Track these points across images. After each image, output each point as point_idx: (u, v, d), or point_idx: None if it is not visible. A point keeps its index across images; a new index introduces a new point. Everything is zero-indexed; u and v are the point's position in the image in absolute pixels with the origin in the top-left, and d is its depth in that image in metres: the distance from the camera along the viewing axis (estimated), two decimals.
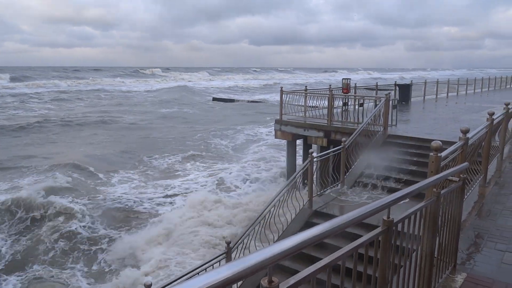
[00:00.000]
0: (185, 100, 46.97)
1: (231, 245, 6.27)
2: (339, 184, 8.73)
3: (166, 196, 13.92)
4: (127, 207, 12.92)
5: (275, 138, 14.19)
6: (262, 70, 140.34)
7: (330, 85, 15.34)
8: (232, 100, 46.60)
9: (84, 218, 11.71)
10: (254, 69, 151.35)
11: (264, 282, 1.25)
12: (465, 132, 4.69)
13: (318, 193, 8.41)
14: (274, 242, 1.39)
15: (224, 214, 11.67)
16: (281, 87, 13.61)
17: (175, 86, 63.44)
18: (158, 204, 13.23)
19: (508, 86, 37.19)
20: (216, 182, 15.30)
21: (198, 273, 5.62)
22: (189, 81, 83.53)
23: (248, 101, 45.39)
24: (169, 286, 5.25)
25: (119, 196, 13.69)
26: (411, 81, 22.63)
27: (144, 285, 4.92)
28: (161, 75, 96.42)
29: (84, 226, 11.34)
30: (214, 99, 48.38)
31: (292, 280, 1.40)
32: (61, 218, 11.62)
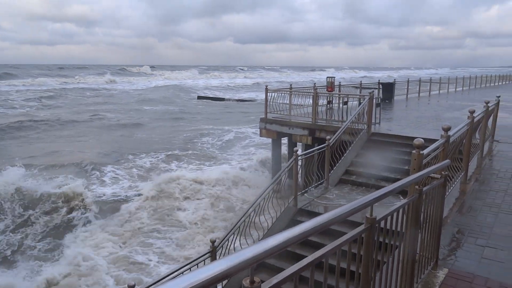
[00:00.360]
0: (179, 98, 46.50)
1: (215, 244, 6.24)
2: (324, 182, 8.78)
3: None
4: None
5: (260, 136, 14.20)
6: (250, 69, 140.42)
7: (314, 83, 15.39)
8: (221, 99, 46.03)
9: None
10: (241, 67, 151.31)
11: (246, 282, 1.23)
12: (447, 130, 4.77)
13: (302, 191, 8.44)
14: (258, 241, 1.37)
15: None
16: (266, 86, 13.62)
17: (167, 85, 62.50)
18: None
19: (488, 85, 38.00)
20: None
21: (182, 273, 5.58)
22: (179, 79, 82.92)
23: (237, 100, 44.98)
24: (153, 286, 5.19)
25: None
26: (394, 79, 22.91)
27: (128, 285, 4.86)
28: (150, 74, 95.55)
29: None
30: (199, 97, 47.97)
31: (275, 279, 1.39)
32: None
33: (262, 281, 1.35)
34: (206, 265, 1.16)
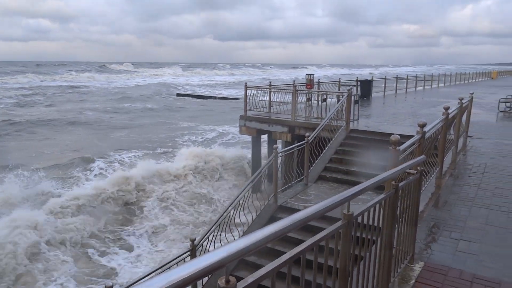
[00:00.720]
0: (167, 96, 45.68)
1: (195, 242, 6.20)
2: (304, 179, 8.83)
3: None
4: None
5: (240, 133, 14.18)
6: (232, 67, 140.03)
7: (294, 81, 15.46)
8: (208, 97, 45.11)
9: None
10: (222, 65, 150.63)
11: (221, 282, 1.22)
12: (422, 126, 4.86)
13: (282, 188, 8.47)
14: (234, 239, 1.36)
15: None
16: (245, 83, 13.60)
17: (154, 83, 61.06)
18: None
19: (463, 82, 39.02)
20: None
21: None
22: (160, 76, 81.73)
23: (222, 98, 44.36)
24: (132, 286, 5.12)
25: None
26: (372, 77, 23.25)
27: (105, 286, 4.78)
28: (132, 71, 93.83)
29: None
30: (178, 94, 47.40)
31: (251, 278, 1.38)
32: None
33: (240, 279, 1.34)
34: (180, 266, 1.14)
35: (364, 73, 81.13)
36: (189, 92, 49.88)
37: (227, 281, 1.21)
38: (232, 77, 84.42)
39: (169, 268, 5.70)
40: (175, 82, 64.89)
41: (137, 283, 5.28)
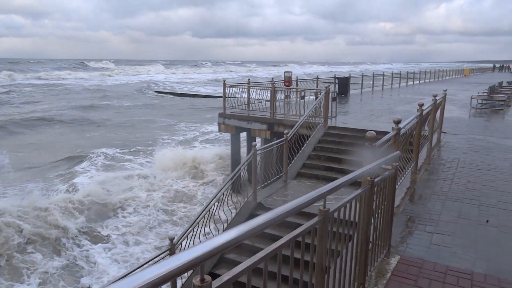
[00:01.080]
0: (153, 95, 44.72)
1: (174, 241, 6.15)
2: (283, 176, 8.87)
3: None
4: None
5: (218, 131, 14.12)
6: (215, 64, 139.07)
7: (272, 78, 15.50)
8: (189, 95, 44.06)
9: None
10: (202, 62, 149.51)
11: (196, 281, 1.22)
12: (397, 122, 4.96)
13: (262, 185, 8.48)
14: (211, 237, 1.36)
15: None
16: (224, 80, 13.55)
17: (137, 82, 59.45)
18: None
19: (437, 79, 39.97)
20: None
21: None
22: (140, 73, 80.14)
23: (204, 96, 43.41)
24: (107, 286, 5.04)
25: None
26: (349, 74, 23.55)
27: (82, 287, 4.69)
28: (112, 68, 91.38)
29: None
30: (157, 92, 46.64)
31: (226, 276, 1.38)
32: None
33: (212, 275, 1.33)
34: (154, 265, 1.13)
35: (345, 71, 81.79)
36: (175, 91, 48.66)
37: (202, 280, 1.21)
38: (213, 75, 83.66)
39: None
40: (161, 80, 63.41)
41: (112, 283, 5.20)
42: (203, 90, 50.77)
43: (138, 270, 5.49)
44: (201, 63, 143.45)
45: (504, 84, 24.68)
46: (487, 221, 5.17)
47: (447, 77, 44.51)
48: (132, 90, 48.17)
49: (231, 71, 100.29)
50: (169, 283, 6.12)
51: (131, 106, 35.04)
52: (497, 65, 77.22)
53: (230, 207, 7.39)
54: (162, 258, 5.95)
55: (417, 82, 33.56)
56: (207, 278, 1.22)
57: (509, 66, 72.82)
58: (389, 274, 3.86)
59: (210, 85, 60.89)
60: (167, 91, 48.18)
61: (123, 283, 1.07)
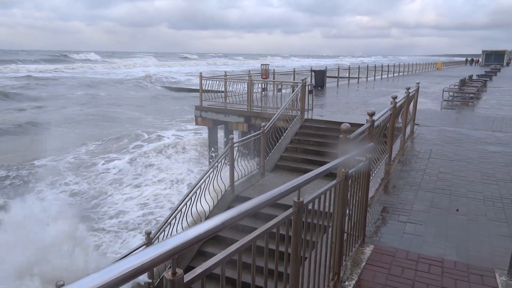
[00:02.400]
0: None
1: (151, 235, 6.10)
2: (260, 168, 8.90)
3: None
4: None
5: (195, 124, 14.02)
6: (201, 57, 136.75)
7: (249, 71, 15.46)
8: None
9: None
10: (185, 54, 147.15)
11: (168, 274, 1.21)
12: (371, 114, 5.03)
13: (239, 178, 8.49)
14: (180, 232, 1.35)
15: None
16: (200, 73, 13.42)
17: (142, 76, 55.62)
18: None
19: (411, 72, 40.80)
20: None
21: None
22: (128, 67, 77.34)
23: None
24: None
25: None
26: (326, 67, 23.74)
27: (56, 284, 4.60)
28: (100, 61, 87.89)
29: None
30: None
31: (199, 269, 1.37)
32: None
33: (188, 269, 1.33)
34: (126, 258, 1.12)
35: (330, 63, 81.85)
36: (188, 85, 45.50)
37: (174, 273, 1.20)
38: (208, 67, 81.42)
39: None
40: (162, 74, 59.75)
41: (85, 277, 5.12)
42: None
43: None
44: (187, 56, 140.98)
45: (474, 77, 25.44)
46: (457, 210, 5.35)
47: (421, 71, 45.51)
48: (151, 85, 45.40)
49: (226, 64, 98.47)
50: (146, 276, 6.08)
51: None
52: (469, 59, 79.67)
53: (207, 201, 7.37)
54: None
55: (391, 75, 34.18)
56: (179, 271, 1.21)
57: (478, 60, 75.13)
58: (364, 263, 3.94)
59: (216, 79, 59.01)
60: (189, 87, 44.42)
61: (96, 276, 1.05)
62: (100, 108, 29.69)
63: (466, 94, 17.74)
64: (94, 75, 58.81)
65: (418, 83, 10.07)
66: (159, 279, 6.32)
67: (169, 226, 6.63)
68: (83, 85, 43.47)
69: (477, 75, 28.88)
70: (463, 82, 18.42)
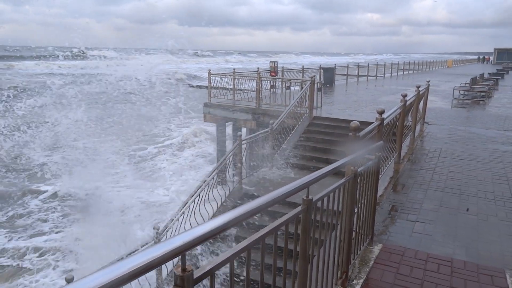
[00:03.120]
0: None
1: (159, 231, 6.14)
2: (268, 166, 8.90)
3: None
4: None
5: (204, 121, 14.05)
6: (216, 54, 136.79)
7: (258, 68, 15.43)
8: None
9: None
10: (202, 51, 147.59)
11: (178, 270, 1.21)
12: (381, 113, 5.00)
13: (247, 175, 8.50)
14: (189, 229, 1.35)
15: None
16: (209, 70, 13.43)
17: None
18: None
19: (421, 70, 40.42)
20: None
21: None
22: (147, 63, 77.19)
23: None
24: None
25: None
26: (335, 64, 23.61)
27: (66, 279, 4.65)
28: (118, 58, 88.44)
29: None
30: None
31: (209, 266, 1.38)
32: None
33: (197, 267, 1.33)
34: (135, 254, 1.12)
35: (344, 61, 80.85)
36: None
37: (184, 269, 1.20)
38: (225, 65, 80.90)
39: None
40: (194, 71, 59.51)
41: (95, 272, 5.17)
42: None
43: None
44: (202, 53, 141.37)
45: (486, 75, 25.12)
46: (467, 209, 5.29)
47: (431, 68, 45.07)
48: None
49: (241, 61, 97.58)
50: (155, 273, 6.12)
51: None
52: (480, 57, 78.69)
53: (215, 197, 7.40)
54: None
55: (401, 73, 33.90)
56: (189, 267, 1.21)
57: (489, 58, 74.15)
58: (372, 262, 3.92)
59: (224, 76, 58.39)
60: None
61: (105, 272, 1.06)
62: None
63: (477, 93, 17.53)
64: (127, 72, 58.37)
65: (428, 81, 9.97)
66: (167, 274, 6.37)
67: (177, 222, 6.67)
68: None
69: (488, 73, 28.51)
70: (474, 81, 18.20)
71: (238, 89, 13.17)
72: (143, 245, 6.10)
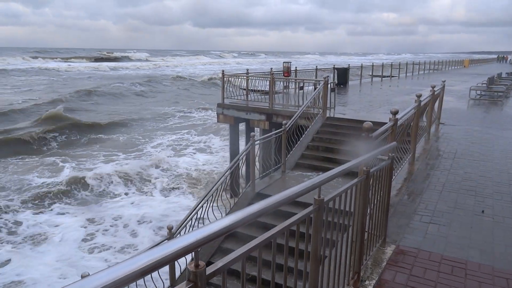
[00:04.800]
0: None
1: (173, 230, 6.20)
2: (281, 166, 8.91)
3: None
4: None
5: (217, 121, 14.12)
6: (241, 55, 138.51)
7: (271, 68, 15.44)
8: None
9: None
10: (223, 52, 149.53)
11: (191, 266, 1.24)
12: (395, 113, 4.97)
13: (260, 175, 8.52)
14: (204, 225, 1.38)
15: None
16: (223, 70, 13.50)
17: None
18: None
19: (437, 70, 39.86)
20: None
21: None
22: (193, 65, 79.51)
23: None
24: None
25: None
26: (349, 64, 23.47)
27: (82, 275, 4.75)
28: (155, 61, 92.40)
29: None
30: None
31: (220, 262, 1.41)
32: None
33: (208, 264, 1.36)
34: (149, 250, 1.16)
35: (365, 61, 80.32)
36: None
37: (197, 265, 1.24)
38: (250, 66, 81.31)
39: None
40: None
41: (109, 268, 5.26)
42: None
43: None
44: (223, 53, 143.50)
45: (503, 75, 24.64)
46: (483, 211, 5.22)
47: (447, 68, 44.41)
48: None
49: (273, 62, 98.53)
50: (167, 270, 6.19)
51: None
52: (501, 56, 77.14)
53: (228, 198, 7.44)
54: None
55: (416, 73, 33.49)
56: (201, 263, 1.25)
57: (508, 57, 72.64)
58: (385, 263, 3.91)
59: (238, 77, 58.76)
60: None
61: (120, 267, 1.09)
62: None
63: (494, 93, 17.21)
64: (174, 72, 59.39)
65: (443, 81, 9.85)
66: (180, 273, 6.43)
67: (190, 221, 6.73)
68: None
69: (506, 73, 27.95)
70: (491, 80, 17.88)
71: (258, 91, 13.19)
72: (156, 244, 6.17)
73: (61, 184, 12.95)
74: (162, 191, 13.33)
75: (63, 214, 11.28)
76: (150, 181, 14.02)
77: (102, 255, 9.20)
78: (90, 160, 16.23)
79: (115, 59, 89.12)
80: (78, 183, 13.20)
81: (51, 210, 11.44)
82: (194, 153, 17.76)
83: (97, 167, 14.90)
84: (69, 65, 67.57)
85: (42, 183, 13.28)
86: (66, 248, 9.35)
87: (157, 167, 15.06)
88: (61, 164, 15.57)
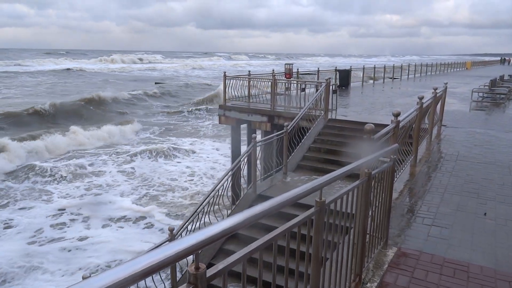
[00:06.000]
0: None
1: (174, 232, 6.19)
2: (283, 168, 8.90)
3: None
4: None
5: (219, 123, 14.13)
6: (252, 58, 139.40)
7: (273, 70, 15.45)
8: None
9: None
10: (235, 54, 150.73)
11: (191, 268, 1.24)
12: (397, 115, 4.96)
13: (261, 177, 8.52)
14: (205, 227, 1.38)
15: None
16: (224, 72, 13.51)
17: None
18: None
19: (439, 72, 39.80)
20: None
21: None
22: (198, 68, 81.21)
23: None
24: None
25: None
26: (350, 66, 23.47)
27: (82, 277, 4.75)
28: (166, 62, 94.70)
29: None
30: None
31: (221, 265, 1.40)
32: None
33: (210, 266, 1.36)
34: (150, 252, 1.16)
35: (370, 63, 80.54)
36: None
37: (197, 268, 1.23)
38: (259, 68, 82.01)
39: None
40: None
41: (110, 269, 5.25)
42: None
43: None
44: (233, 55, 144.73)
45: (506, 77, 24.59)
46: (485, 214, 5.20)
47: (450, 70, 44.34)
48: None
49: (277, 64, 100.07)
50: (169, 271, 6.19)
51: None
52: (506, 58, 76.99)
53: (230, 199, 7.44)
54: None
55: (418, 75, 33.46)
56: (202, 266, 1.24)
57: (510, 59, 72.49)
58: (386, 266, 3.89)
59: (240, 79, 59.43)
60: None
61: (120, 269, 1.09)
62: None
63: (496, 95, 17.17)
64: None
65: (446, 83, 9.83)
66: (181, 275, 6.43)
67: (192, 223, 6.73)
68: None
69: (509, 75, 27.89)
70: (493, 83, 17.84)
71: (255, 95, 13.19)
72: (156, 246, 6.17)
73: None
74: None
75: None
76: None
77: None
78: None
79: (141, 61, 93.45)
80: None
81: None
82: None
83: None
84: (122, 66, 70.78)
85: None
86: None
87: None
88: None
